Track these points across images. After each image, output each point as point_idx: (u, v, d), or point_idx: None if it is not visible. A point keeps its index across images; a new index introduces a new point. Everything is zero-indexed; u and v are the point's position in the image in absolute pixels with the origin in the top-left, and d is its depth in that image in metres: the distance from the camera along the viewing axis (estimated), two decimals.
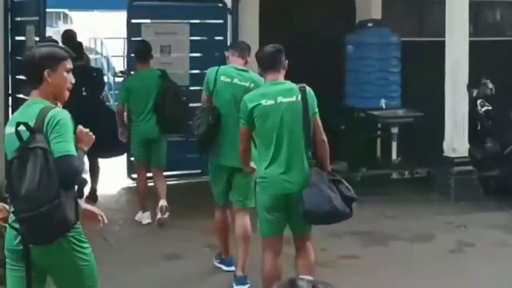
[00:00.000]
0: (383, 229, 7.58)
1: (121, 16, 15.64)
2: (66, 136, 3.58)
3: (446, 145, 8.99)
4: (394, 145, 9.27)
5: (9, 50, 8.85)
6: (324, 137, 5.23)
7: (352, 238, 7.24)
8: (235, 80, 5.91)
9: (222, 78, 5.96)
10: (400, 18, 10.46)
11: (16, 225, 3.58)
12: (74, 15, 19.41)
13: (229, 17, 9.85)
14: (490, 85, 9.36)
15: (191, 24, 9.76)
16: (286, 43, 9.60)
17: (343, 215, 5.06)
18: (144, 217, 7.66)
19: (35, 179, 3.45)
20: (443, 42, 9.10)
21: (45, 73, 3.68)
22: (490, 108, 9.18)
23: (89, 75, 8.33)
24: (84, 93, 7.99)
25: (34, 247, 3.60)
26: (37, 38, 8.16)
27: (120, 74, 13.02)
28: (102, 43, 16.39)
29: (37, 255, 3.63)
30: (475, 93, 9.23)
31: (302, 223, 5.06)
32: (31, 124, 3.55)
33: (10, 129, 3.62)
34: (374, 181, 9.17)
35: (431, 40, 10.05)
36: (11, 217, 3.66)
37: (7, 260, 3.73)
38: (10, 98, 8.93)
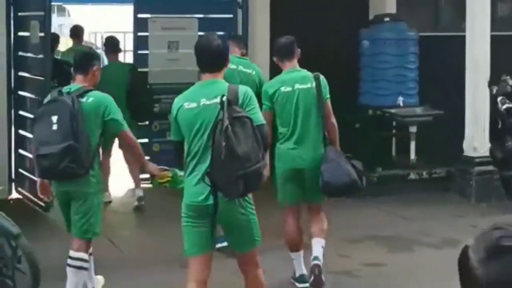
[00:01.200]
0: (404, 233, 7.28)
1: (121, 10, 15.39)
2: (257, 108, 4.44)
3: (466, 144, 8.68)
4: (412, 144, 8.94)
5: (12, 46, 8.50)
6: (334, 120, 5.83)
7: (374, 244, 6.96)
8: (240, 67, 6.46)
9: (229, 65, 5.84)
10: (416, 12, 10.14)
11: (208, 182, 4.19)
12: (71, 8, 19.00)
13: (239, 11, 9.51)
14: (511, 82, 9.07)
15: (200, 18, 9.41)
16: (297, 38, 9.47)
17: (359, 186, 5.72)
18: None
19: (249, 142, 4.18)
20: (461, 37, 8.81)
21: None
22: (511, 105, 8.88)
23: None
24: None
25: (224, 202, 4.24)
26: (41, 34, 7.81)
27: None
28: (102, 38, 16.03)
29: (224, 209, 4.26)
30: (495, 90, 8.94)
31: (315, 195, 5.66)
32: (224, 98, 4.23)
33: (199, 102, 4.31)
34: (391, 181, 8.87)
35: (449, 35, 9.75)
36: (195, 176, 4.27)
37: (185, 218, 4.36)
38: (12, 95, 8.59)
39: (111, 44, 8.66)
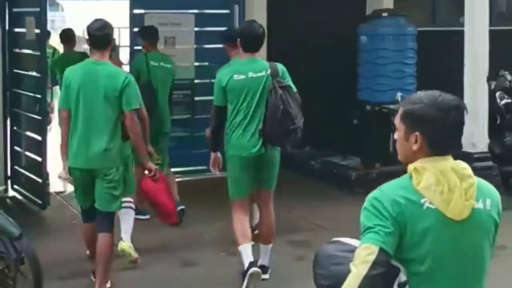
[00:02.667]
0: None
1: (115, 5, 15.27)
2: (290, 80, 5.69)
3: (464, 140, 8.53)
4: None
5: (6, 42, 8.40)
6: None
7: None
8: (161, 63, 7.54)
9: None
10: (413, 6, 10.09)
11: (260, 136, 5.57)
12: (65, 3, 18.85)
13: (235, 7, 9.44)
14: (509, 77, 9.04)
15: (196, 14, 9.33)
16: (295, 34, 9.46)
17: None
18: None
19: (295, 105, 5.56)
20: (459, 32, 8.76)
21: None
22: (509, 101, 8.85)
23: None
24: None
25: (270, 150, 5.63)
26: (37, 30, 7.71)
27: None
28: None
29: (269, 155, 5.64)
30: (493, 85, 8.89)
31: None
32: (268, 72, 5.60)
33: (248, 75, 5.57)
34: (390, 177, 8.77)
35: (447, 30, 9.70)
36: (247, 133, 5.57)
37: (235, 168, 5.65)
38: (8, 92, 8.50)
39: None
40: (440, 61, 9.35)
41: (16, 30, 8.34)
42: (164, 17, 9.09)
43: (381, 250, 2.48)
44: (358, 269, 2.47)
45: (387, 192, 2.68)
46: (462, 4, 8.68)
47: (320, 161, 9.30)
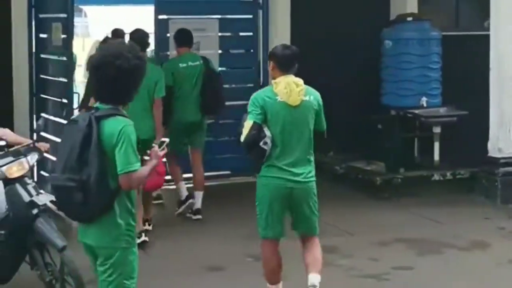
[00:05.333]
0: (432, 235, 7.18)
1: (138, 11, 15.34)
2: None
3: (491, 145, 8.57)
4: (436, 145, 8.85)
5: (33, 48, 8.47)
6: None
7: (403, 246, 6.87)
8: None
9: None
10: (437, 11, 10.05)
11: None
12: (88, 8, 18.96)
13: (259, 12, 9.46)
14: None
15: (220, 19, 9.36)
16: (319, 38, 9.45)
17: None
18: None
19: None
20: (484, 36, 8.72)
21: None
22: None
23: None
24: None
25: None
26: (64, 36, 7.77)
27: None
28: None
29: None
30: None
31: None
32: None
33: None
34: (415, 182, 8.78)
35: (471, 34, 9.66)
36: None
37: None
38: (34, 98, 8.57)
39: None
40: (464, 66, 9.30)
41: (43, 35, 8.40)
42: (188, 23, 9.10)
43: (255, 123, 5.05)
44: (245, 130, 5.06)
45: (259, 94, 5.19)
46: (486, 8, 8.65)
47: (344, 166, 9.28)
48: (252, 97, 5.12)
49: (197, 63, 7.72)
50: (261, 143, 4.98)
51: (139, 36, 7.03)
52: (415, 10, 9.78)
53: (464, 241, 6.97)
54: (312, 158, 5.20)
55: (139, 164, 3.85)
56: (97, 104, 3.95)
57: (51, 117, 8.12)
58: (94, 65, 3.88)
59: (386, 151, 9.05)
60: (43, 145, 5.53)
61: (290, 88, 5.03)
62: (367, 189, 8.69)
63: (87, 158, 3.77)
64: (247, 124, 5.00)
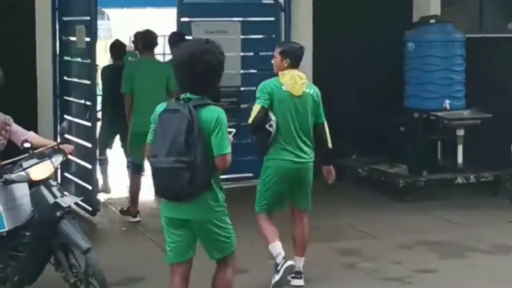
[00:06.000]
0: (455, 238, 7.15)
1: (159, 13, 15.41)
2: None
3: None
4: (459, 148, 8.79)
5: (57, 51, 8.53)
6: None
7: (425, 249, 6.84)
8: None
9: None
10: (461, 13, 9.99)
11: None
12: (111, 11, 19.05)
13: (281, 14, 9.46)
14: None
15: (242, 22, 9.37)
16: (341, 41, 9.43)
17: None
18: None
19: None
20: (508, 38, 8.67)
21: None
22: None
23: None
24: None
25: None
26: (88, 39, 7.82)
27: None
28: None
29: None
30: None
31: None
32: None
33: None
34: (438, 185, 8.73)
35: (495, 37, 9.59)
36: None
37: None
38: (58, 100, 8.62)
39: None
40: (488, 68, 9.23)
41: (66, 38, 8.46)
42: (210, 25, 9.14)
43: (262, 107, 5.63)
44: (253, 113, 5.63)
45: (267, 82, 5.76)
46: (510, 9, 8.59)
47: (367, 169, 9.25)
48: (260, 85, 5.77)
49: None
50: (267, 125, 5.62)
51: (148, 35, 7.90)
52: (438, 12, 9.73)
53: (487, 244, 6.93)
54: (310, 143, 5.82)
55: (230, 147, 4.43)
56: (188, 95, 4.42)
57: (75, 119, 8.18)
58: (184, 61, 4.37)
59: (409, 154, 9.01)
60: (67, 147, 5.58)
61: (294, 80, 5.72)
62: (390, 192, 8.67)
63: (192, 142, 4.28)
64: (256, 108, 5.63)
